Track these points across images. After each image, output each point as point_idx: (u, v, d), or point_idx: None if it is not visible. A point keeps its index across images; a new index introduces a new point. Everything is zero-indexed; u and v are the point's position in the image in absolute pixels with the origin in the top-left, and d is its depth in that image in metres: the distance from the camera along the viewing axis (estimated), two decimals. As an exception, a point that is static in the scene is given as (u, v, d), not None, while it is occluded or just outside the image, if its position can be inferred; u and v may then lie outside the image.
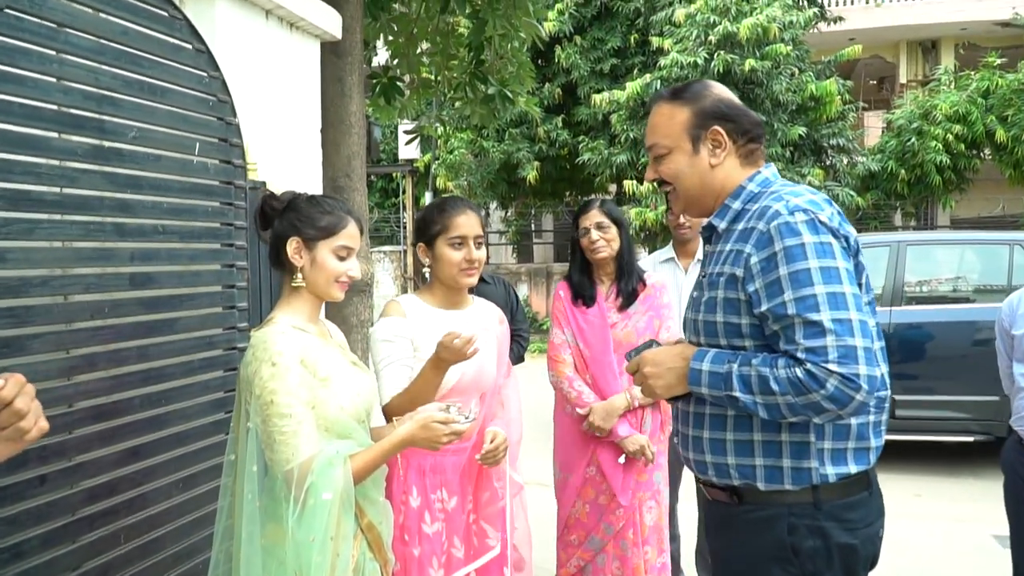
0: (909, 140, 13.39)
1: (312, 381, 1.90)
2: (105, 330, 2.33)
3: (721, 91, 1.94)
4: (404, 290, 16.30)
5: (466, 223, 2.52)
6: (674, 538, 3.89)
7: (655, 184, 2.01)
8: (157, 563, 2.46)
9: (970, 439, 6.36)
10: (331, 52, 3.93)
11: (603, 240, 3.28)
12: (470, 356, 2.30)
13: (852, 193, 12.17)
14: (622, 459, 3.25)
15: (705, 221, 1.97)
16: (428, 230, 2.55)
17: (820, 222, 1.72)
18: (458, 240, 2.51)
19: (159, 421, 2.50)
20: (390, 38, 5.31)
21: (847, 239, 1.76)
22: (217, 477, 2.50)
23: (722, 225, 1.90)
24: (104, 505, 2.28)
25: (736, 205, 1.88)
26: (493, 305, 2.79)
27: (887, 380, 1.83)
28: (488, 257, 2.73)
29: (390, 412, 2.37)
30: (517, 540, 2.73)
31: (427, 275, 2.57)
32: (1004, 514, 3.21)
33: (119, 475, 2.35)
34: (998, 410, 6.10)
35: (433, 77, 5.73)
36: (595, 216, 3.30)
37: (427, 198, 16.05)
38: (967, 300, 6.87)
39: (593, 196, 6.29)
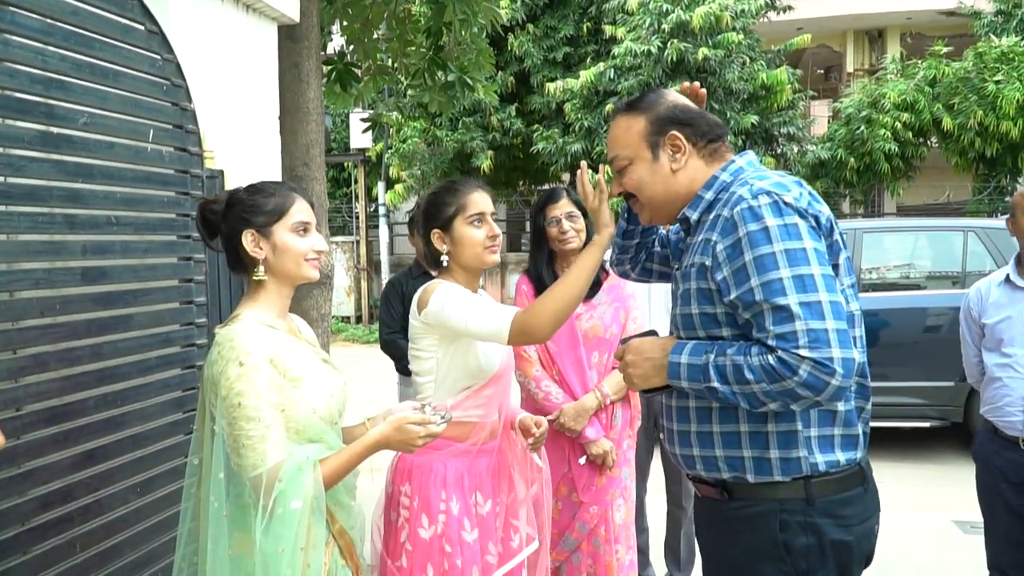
0: (858, 128, 13.54)
1: (282, 382, 1.80)
2: (56, 328, 2.23)
3: (676, 97, 1.93)
4: (357, 281, 16.14)
5: (481, 200, 2.42)
6: (642, 530, 3.86)
7: (624, 197, 1.99)
8: (115, 571, 2.37)
9: (927, 425, 6.45)
10: (287, 37, 3.80)
11: (574, 231, 3.19)
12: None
13: (802, 181, 12.31)
14: (583, 460, 3.20)
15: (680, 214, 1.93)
16: (442, 213, 2.41)
17: (785, 203, 1.69)
18: (477, 217, 2.40)
19: (115, 423, 2.40)
20: (345, 23, 5.17)
21: (817, 218, 1.73)
22: (177, 479, 2.41)
23: (694, 216, 1.87)
24: (57, 513, 2.18)
25: (708, 195, 1.86)
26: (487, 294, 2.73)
27: (867, 367, 1.81)
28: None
29: (524, 325, 2.18)
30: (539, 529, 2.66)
31: (444, 262, 2.44)
32: (964, 499, 3.18)
33: (73, 480, 2.24)
34: (953, 396, 6.22)
35: (390, 64, 5.61)
36: (565, 206, 3.21)
37: (380, 188, 15.87)
38: (923, 287, 6.97)
39: (557, 185, 6.20)
